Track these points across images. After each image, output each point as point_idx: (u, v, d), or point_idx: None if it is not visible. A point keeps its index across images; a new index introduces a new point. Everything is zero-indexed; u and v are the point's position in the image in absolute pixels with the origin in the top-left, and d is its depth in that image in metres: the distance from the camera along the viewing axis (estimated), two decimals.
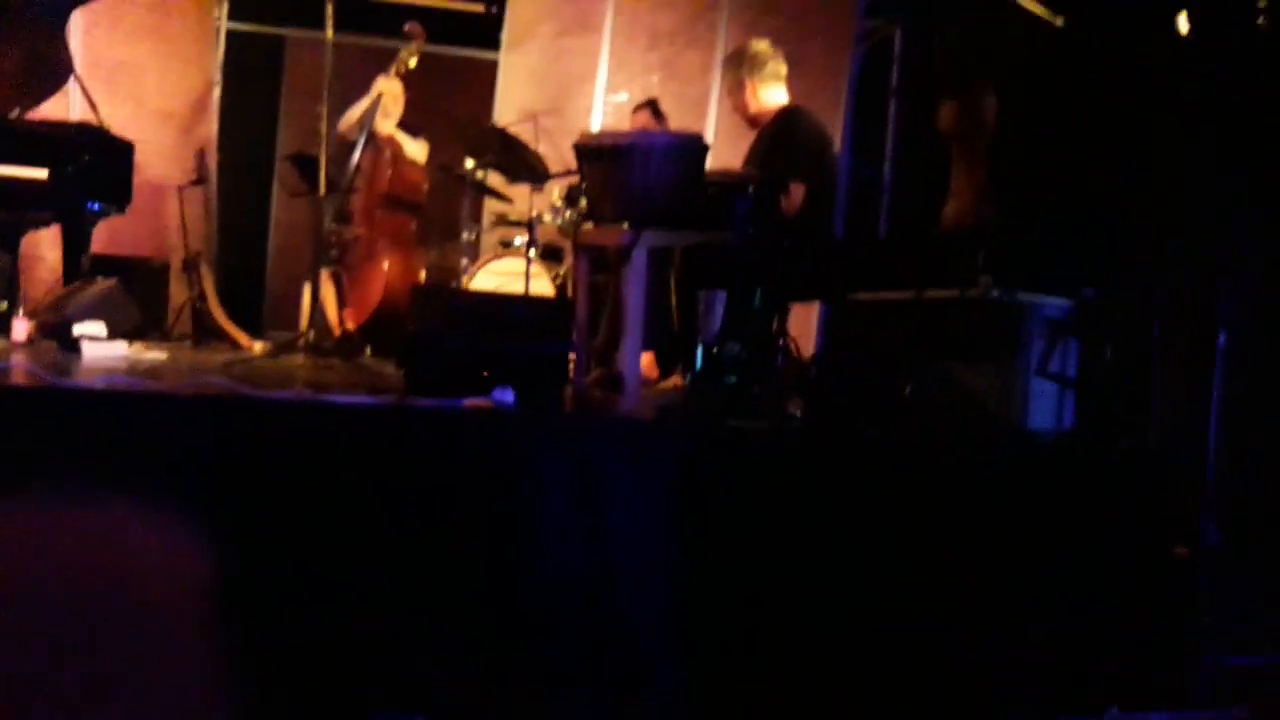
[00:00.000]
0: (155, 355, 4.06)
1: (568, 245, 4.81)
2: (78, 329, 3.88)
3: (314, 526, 2.74)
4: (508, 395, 3.12)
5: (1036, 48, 3.85)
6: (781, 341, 4.04)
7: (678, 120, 5.43)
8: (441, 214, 6.20)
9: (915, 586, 3.07)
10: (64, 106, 5.15)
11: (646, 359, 4.06)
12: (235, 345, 5.45)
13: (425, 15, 6.13)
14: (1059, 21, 3.64)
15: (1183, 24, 3.07)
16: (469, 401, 3.06)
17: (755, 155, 4.01)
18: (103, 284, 4.15)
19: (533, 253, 4.98)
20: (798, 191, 3.78)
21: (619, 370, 3.53)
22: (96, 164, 4.36)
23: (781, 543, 3.02)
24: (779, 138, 3.96)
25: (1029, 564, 3.14)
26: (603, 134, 4.62)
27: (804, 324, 4.89)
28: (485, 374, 3.16)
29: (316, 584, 2.71)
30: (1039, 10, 3.67)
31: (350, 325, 5.41)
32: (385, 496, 2.80)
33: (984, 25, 4.12)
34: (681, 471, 2.98)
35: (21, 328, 4.05)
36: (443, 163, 5.57)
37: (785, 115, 4.03)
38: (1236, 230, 3.07)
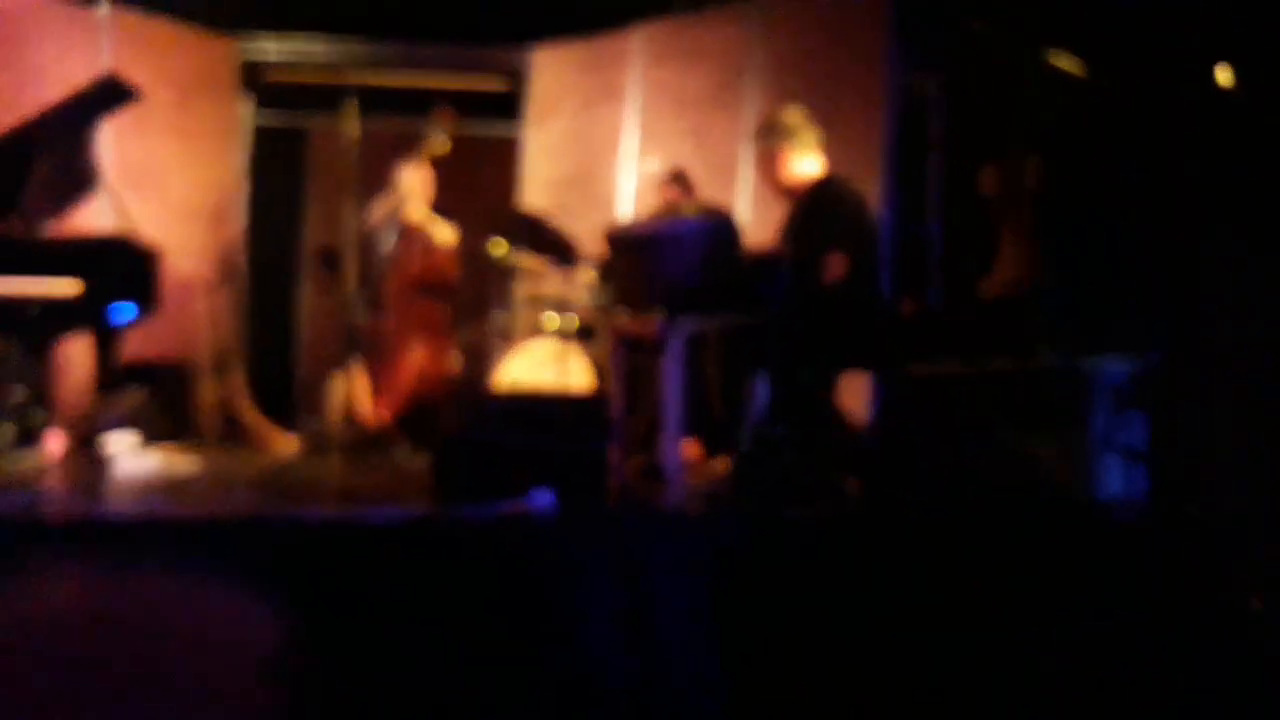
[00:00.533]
0: (187, 464, 4.08)
1: (603, 325, 4.79)
2: (109, 442, 3.92)
3: (353, 644, 2.70)
4: (546, 497, 3.07)
5: (1075, 105, 3.79)
6: (832, 416, 3.97)
7: (709, 187, 5.41)
8: (474, 295, 6.23)
9: (988, 674, 2.95)
10: (93, 212, 5.27)
11: (689, 444, 4.00)
12: (267, 443, 5.48)
13: (449, 95, 6.23)
14: (1084, 74, 3.59)
15: (1222, 76, 3.00)
16: (506, 506, 3.01)
17: (791, 229, 3.96)
18: (133, 393, 4.19)
19: (568, 335, 4.97)
20: (839, 263, 3.72)
21: (660, 458, 3.47)
22: (125, 273, 4.42)
23: (844, 636, 2.92)
24: (815, 211, 3.90)
25: (1105, 643, 3.01)
26: (632, 224, 4.62)
27: (856, 393, 4.81)
28: (522, 475, 3.11)
29: (359, 702, 2.66)
30: (1070, 66, 3.62)
31: (384, 416, 5.42)
32: (424, 610, 2.76)
33: (1020, 85, 4.08)
34: (732, 566, 2.91)
35: (55, 441, 4.09)
36: (473, 248, 5.61)
37: (820, 187, 3.98)
38: None
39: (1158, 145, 3.42)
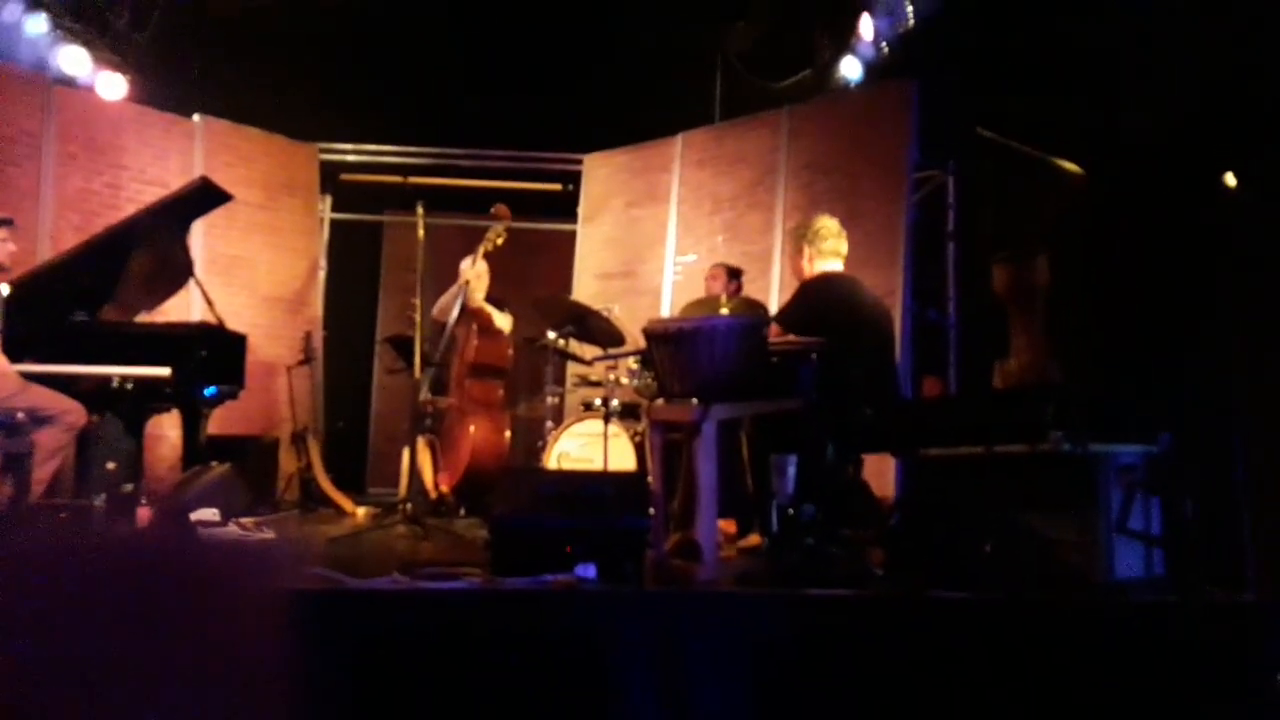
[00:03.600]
0: (264, 534, 4.12)
1: (645, 405, 4.81)
2: (193, 515, 3.97)
3: (408, 707, 2.70)
4: (590, 570, 3.06)
5: (1082, 204, 3.80)
6: (859, 495, 3.93)
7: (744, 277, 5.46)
8: (529, 375, 6.31)
9: None
10: (185, 301, 5.44)
11: (724, 523, 3.98)
12: (339, 511, 5.54)
13: (509, 196, 6.39)
14: (1087, 177, 3.60)
15: (1229, 179, 2.99)
16: (553, 579, 3.01)
17: None
18: (217, 470, 4.25)
19: (611, 415, 5.00)
20: (771, 333, 3.77)
21: (697, 536, 3.45)
22: (213, 357, 4.54)
23: (872, 714, 2.86)
24: (795, 295, 3.99)
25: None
26: (669, 320, 4.67)
27: (883, 466, 4.77)
28: (568, 550, 3.11)
29: None
30: (1072, 167, 3.63)
31: (445, 488, 5.46)
32: (476, 675, 2.75)
33: (1027, 186, 4.10)
34: (764, 642, 2.86)
35: (144, 514, 4.16)
36: (527, 334, 5.70)
37: (803, 284, 4.03)
38: None
39: (1162, 239, 3.41)
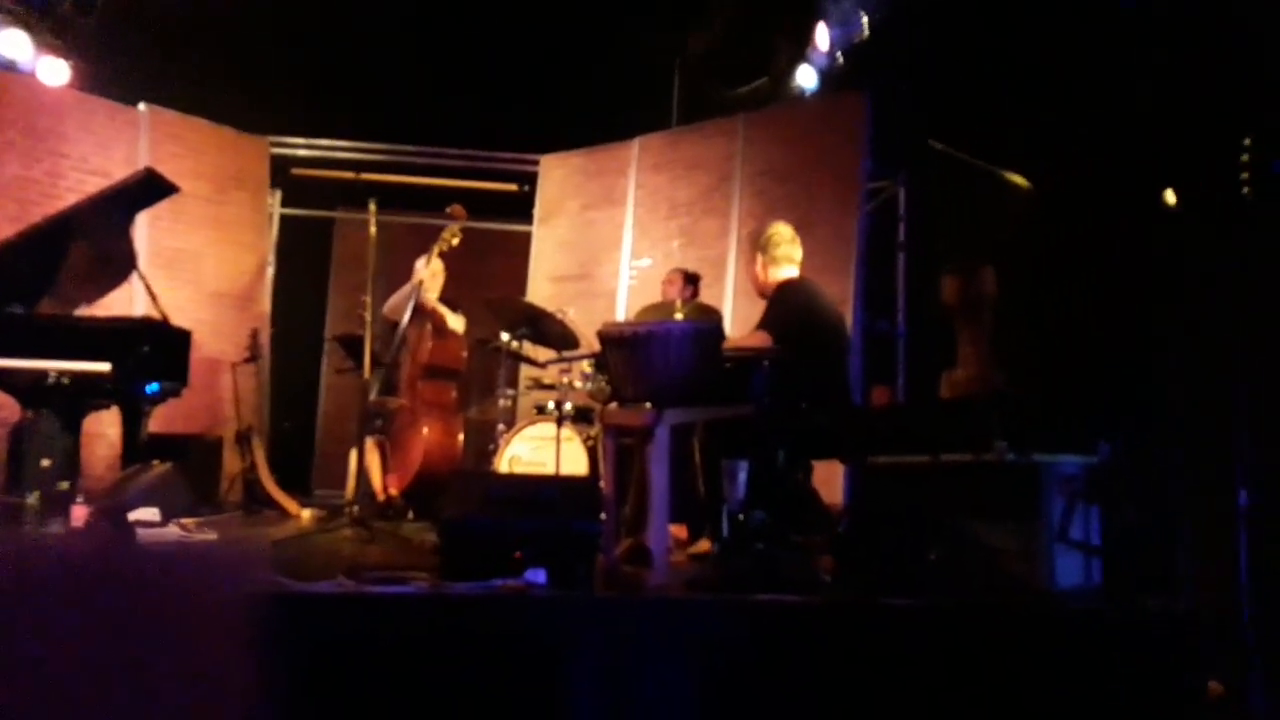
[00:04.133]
0: (206, 535, 4.03)
1: (599, 409, 4.80)
2: (132, 515, 3.87)
3: (354, 713, 2.66)
4: (540, 575, 3.04)
5: (1028, 217, 3.87)
6: (808, 501, 3.96)
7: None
8: (481, 378, 6.26)
9: None
10: (128, 295, 5.30)
11: (676, 528, 3.98)
12: (284, 513, 5.44)
13: (464, 195, 6.34)
14: (1032, 189, 3.67)
15: (1170, 197, 3.07)
16: (502, 583, 2.98)
17: (758, 326, 4.03)
18: (158, 469, 4.14)
19: (564, 419, 4.98)
20: (757, 339, 3.80)
21: (647, 542, 3.45)
22: (155, 353, 4.41)
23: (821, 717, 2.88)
24: (769, 305, 3.99)
25: None
26: (624, 324, 4.66)
27: (832, 474, 4.81)
28: (518, 555, 3.09)
29: None
30: (1020, 180, 3.71)
31: (394, 491, 5.39)
32: (424, 680, 2.72)
33: (976, 198, 4.17)
34: (714, 647, 2.88)
35: (79, 513, 4.04)
36: (480, 336, 5.65)
37: (777, 287, 4.06)
38: (1238, 389, 2.99)
39: (1104, 255, 3.49)
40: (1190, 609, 3.03)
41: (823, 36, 5.93)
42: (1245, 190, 3.03)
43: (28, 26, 5.71)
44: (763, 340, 3.78)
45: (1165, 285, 3.33)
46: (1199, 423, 3.25)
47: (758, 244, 4.11)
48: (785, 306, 3.94)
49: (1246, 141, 3.00)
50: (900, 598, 3.02)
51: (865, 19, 5.81)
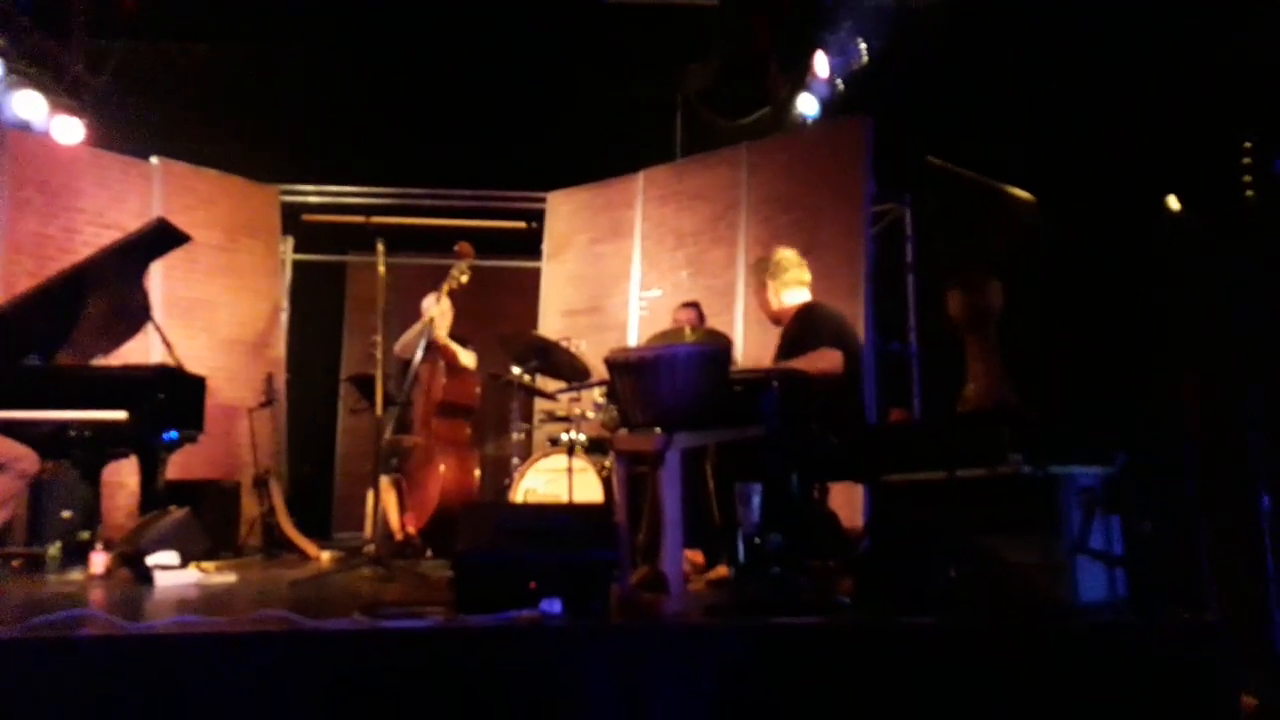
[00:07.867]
0: (225, 578, 4.03)
1: (612, 438, 4.79)
2: (151, 560, 3.89)
3: None
4: (555, 605, 3.02)
5: (1034, 230, 3.86)
6: (826, 523, 3.92)
7: (707, 311, 5.47)
8: (496, 412, 6.26)
9: None
10: (144, 345, 5.36)
11: (691, 553, 3.95)
12: (304, 555, 5.43)
13: (472, 234, 6.39)
14: (1037, 204, 3.66)
15: (1173, 202, 3.05)
16: (517, 615, 2.96)
17: (781, 351, 4.01)
18: (176, 514, 4.16)
19: (578, 449, 4.97)
20: (833, 357, 3.74)
21: (663, 568, 3.42)
22: (171, 401, 4.46)
23: None
24: (801, 329, 3.95)
25: None
26: (630, 349, 4.67)
27: (852, 495, 4.77)
28: (533, 585, 3.07)
29: None
30: (1024, 195, 3.70)
31: (411, 529, 5.38)
32: (441, 714, 2.70)
33: (980, 214, 4.16)
34: (732, 675, 2.83)
35: (99, 560, 4.06)
36: (492, 371, 5.66)
37: (803, 310, 4.04)
38: (1254, 392, 2.95)
39: (1111, 265, 3.46)
40: (1219, 620, 2.96)
41: (822, 65, 5.98)
42: (1248, 192, 3.01)
43: (41, 87, 5.84)
44: (835, 359, 3.74)
45: (1172, 288, 3.30)
46: (1213, 428, 3.20)
47: (766, 271, 4.12)
48: (832, 322, 3.92)
49: (1247, 144, 2.99)
50: (921, 617, 2.97)
51: (864, 46, 5.86)
